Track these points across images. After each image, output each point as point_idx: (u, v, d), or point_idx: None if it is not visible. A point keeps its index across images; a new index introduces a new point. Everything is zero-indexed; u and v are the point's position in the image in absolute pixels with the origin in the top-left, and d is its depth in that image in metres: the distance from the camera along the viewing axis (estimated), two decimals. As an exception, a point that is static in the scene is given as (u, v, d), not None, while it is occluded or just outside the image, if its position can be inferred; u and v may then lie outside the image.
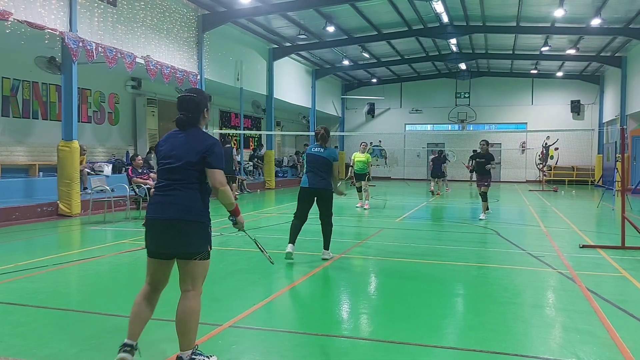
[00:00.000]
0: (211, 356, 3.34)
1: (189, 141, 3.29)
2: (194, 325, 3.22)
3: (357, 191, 14.00)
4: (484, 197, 11.63)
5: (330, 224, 6.94)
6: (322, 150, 6.77)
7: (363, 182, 13.56)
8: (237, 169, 18.55)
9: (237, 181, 18.07)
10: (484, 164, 11.43)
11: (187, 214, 3.22)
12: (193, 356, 3.22)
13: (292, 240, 6.84)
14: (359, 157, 13.59)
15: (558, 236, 9.20)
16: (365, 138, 30.75)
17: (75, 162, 11.43)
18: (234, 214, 3.52)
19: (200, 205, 3.28)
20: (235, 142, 24.00)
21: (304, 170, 6.99)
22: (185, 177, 3.25)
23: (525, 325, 4.30)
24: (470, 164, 12.71)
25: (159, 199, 3.30)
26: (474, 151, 12.94)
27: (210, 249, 3.35)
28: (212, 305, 4.77)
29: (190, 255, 3.23)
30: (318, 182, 6.75)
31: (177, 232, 3.21)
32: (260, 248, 4.02)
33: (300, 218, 7.00)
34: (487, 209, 11.86)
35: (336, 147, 29.39)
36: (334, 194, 6.95)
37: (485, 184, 11.59)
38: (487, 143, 11.77)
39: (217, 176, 3.27)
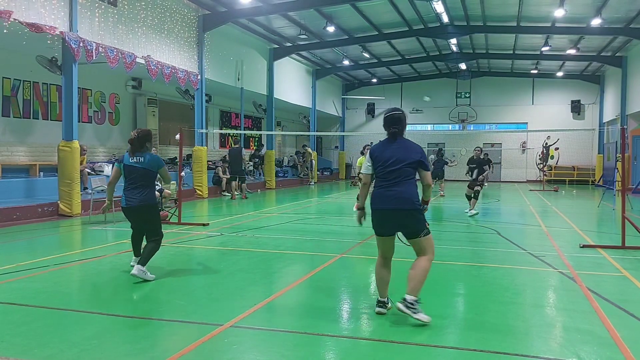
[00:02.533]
0: (426, 315, 4.16)
1: (404, 147, 4.38)
2: (422, 278, 4.28)
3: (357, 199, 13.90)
4: (477, 195, 12.14)
5: (157, 242, 5.82)
6: (141, 159, 5.77)
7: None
8: (246, 168, 18.56)
9: (237, 180, 18.08)
10: (474, 169, 12.13)
11: (411, 204, 4.28)
12: (415, 302, 4.17)
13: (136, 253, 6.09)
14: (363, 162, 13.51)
15: (559, 236, 9.20)
16: (365, 138, 30.80)
17: (75, 162, 11.44)
18: (426, 203, 4.48)
19: (416, 195, 4.32)
20: (235, 142, 24.01)
21: (123, 186, 5.87)
22: (407, 175, 4.30)
23: (526, 325, 4.30)
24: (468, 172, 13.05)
25: (384, 192, 4.33)
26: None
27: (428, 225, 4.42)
28: (213, 305, 4.77)
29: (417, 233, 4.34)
30: (136, 197, 5.71)
31: (403, 217, 4.28)
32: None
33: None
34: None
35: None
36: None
37: (478, 184, 12.13)
38: (481, 150, 12.31)
39: (429, 177, 4.40)
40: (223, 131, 22.91)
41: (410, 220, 4.30)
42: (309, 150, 25.72)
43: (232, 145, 17.14)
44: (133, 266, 5.73)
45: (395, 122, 4.45)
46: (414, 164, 4.33)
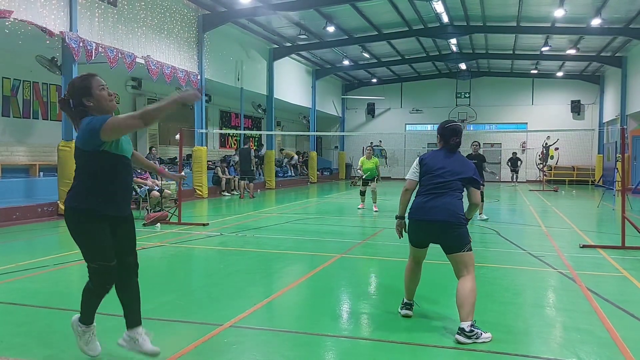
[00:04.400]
0: (485, 332, 3.87)
1: (460, 161, 4.26)
2: (472, 300, 3.90)
3: (360, 194, 13.53)
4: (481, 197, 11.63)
5: (89, 281, 3.39)
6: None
7: (371, 184, 13.20)
8: (255, 169, 18.55)
9: (238, 181, 18.08)
10: (476, 165, 11.51)
11: (457, 217, 4.07)
12: (472, 328, 3.81)
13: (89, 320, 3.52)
14: (367, 164, 13.21)
15: (558, 236, 9.20)
16: (365, 138, 30.82)
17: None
18: (467, 221, 4.20)
19: (462, 209, 4.13)
20: (235, 142, 24.01)
21: None
22: (456, 188, 4.13)
23: (526, 325, 4.30)
24: None
25: (428, 201, 4.13)
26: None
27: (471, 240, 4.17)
28: (213, 305, 4.77)
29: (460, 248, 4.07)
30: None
31: (446, 230, 4.06)
32: None
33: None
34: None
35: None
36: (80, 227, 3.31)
37: (482, 184, 11.58)
38: (479, 145, 11.81)
39: (478, 196, 4.29)
40: (223, 131, 22.91)
41: (453, 234, 4.04)
42: (286, 151, 26.11)
43: (242, 145, 17.19)
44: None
45: (457, 134, 4.31)
46: (466, 180, 4.17)
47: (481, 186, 11.56)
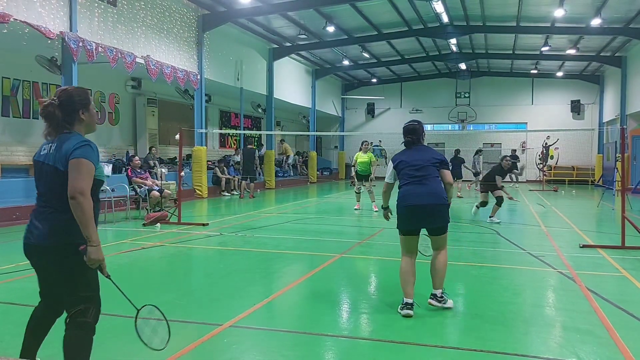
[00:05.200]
0: (449, 299, 4.64)
1: (423, 151, 4.79)
2: (444, 271, 4.66)
3: (356, 193, 13.33)
4: (500, 200, 11.02)
5: (77, 324, 2.84)
6: (53, 147, 2.84)
7: (365, 184, 13.07)
8: (257, 168, 18.56)
9: (238, 181, 18.09)
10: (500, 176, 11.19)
11: (441, 199, 4.59)
12: (442, 295, 4.61)
13: (29, 354, 3.17)
14: (361, 157, 12.94)
15: (558, 236, 9.20)
16: (365, 138, 30.76)
17: (75, 162, 11.41)
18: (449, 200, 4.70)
19: (443, 191, 4.65)
20: (235, 142, 24.01)
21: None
22: (433, 173, 4.64)
23: (526, 325, 4.30)
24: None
25: (414, 188, 4.59)
26: (494, 169, 11.70)
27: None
28: (213, 305, 4.77)
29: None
30: (36, 228, 2.82)
31: (433, 212, 4.54)
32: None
33: (46, 303, 3.11)
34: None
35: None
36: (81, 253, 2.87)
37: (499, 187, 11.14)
38: (512, 159, 11.31)
39: (449, 175, 4.73)
40: (223, 131, 22.91)
41: (439, 216, 4.57)
42: (286, 145, 25.99)
43: (245, 147, 17.19)
44: None
45: (410, 132, 4.88)
46: (437, 164, 4.68)
47: (497, 190, 11.00)
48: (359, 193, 13.24)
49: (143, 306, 3.04)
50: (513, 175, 22.99)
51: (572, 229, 10.17)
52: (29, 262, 2.94)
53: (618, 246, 7.79)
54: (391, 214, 5.05)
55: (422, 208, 4.54)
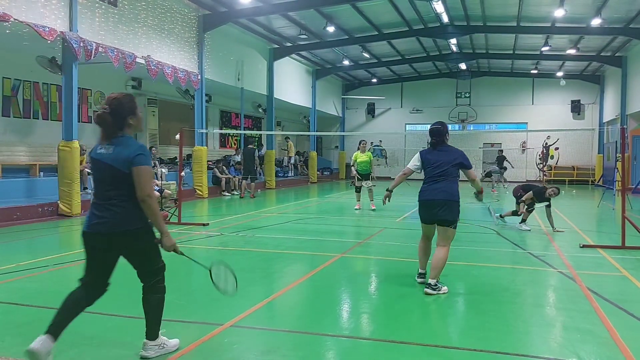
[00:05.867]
0: (443, 286, 5.23)
1: (448, 152, 5.43)
2: (442, 266, 5.22)
3: (355, 192, 13.35)
4: (517, 212, 10.30)
5: (157, 289, 3.60)
6: (110, 149, 3.33)
7: (364, 182, 13.10)
8: (258, 168, 18.57)
9: (239, 181, 18.09)
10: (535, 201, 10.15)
11: (451, 196, 5.27)
12: (437, 283, 5.18)
13: (55, 330, 3.34)
14: (361, 157, 13.03)
15: (558, 236, 9.20)
16: (365, 138, 30.75)
17: (75, 162, 11.44)
18: (480, 192, 5.71)
19: (457, 190, 5.33)
20: (235, 142, 24.02)
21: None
22: (451, 174, 5.31)
23: (526, 325, 4.31)
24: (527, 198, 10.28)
25: (431, 186, 5.33)
26: (535, 191, 10.24)
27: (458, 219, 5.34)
28: (213, 305, 4.77)
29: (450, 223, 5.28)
30: (103, 218, 3.33)
31: (443, 206, 5.23)
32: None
33: (87, 291, 3.51)
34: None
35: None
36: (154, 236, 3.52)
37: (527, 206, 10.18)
38: (559, 191, 10.09)
39: (472, 173, 5.45)
40: (223, 131, 22.91)
41: (450, 209, 5.24)
42: (291, 143, 26.00)
43: (246, 146, 17.23)
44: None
45: (433, 134, 5.49)
46: (457, 165, 5.36)
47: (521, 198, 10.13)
48: (359, 193, 13.27)
49: (211, 265, 3.80)
50: (497, 175, 22.42)
51: (573, 228, 10.17)
52: (85, 247, 3.42)
53: (618, 246, 7.79)
54: (389, 200, 5.72)
55: (434, 202, 5.28)
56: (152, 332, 3.53)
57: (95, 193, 3.44)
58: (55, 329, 3.28)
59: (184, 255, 3.67)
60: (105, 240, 3.32)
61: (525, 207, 10.05)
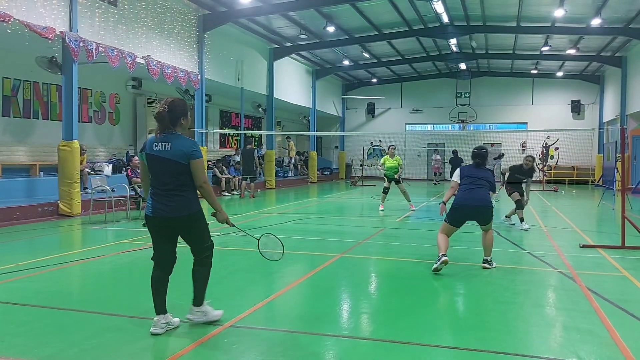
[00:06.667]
0: (494, 263, 6.52)
1: (483, 171, 6.63)
2: (492, 244, 6.54)
3: (383, 192, 13.40)
4: (520, 204, 10.32)
5: (205, 263, 4.17)
6: (167, 145, 3.95)
7: (399, 185, 13.18)
8: (257, 168, 18.56)
9: (239, 181, 18.09)
10: (519, 179, 10.56)
11: (486, 202, 6.44)
12: (491, 259, 6.49)
13: (160, 309, 4.03)
14: (390, 162, 13.22)
15: (558, 236, 9.20)
16: (365, 138, 30.81)
17: (75, 162, 11.44)
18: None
19: (490, 197, 6.54)
20: (235, 142, 24.01)
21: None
22: (484, 185, 6.48)
23: (526, 325, 4.31)
24: (505, 177, 10.97)
25: (468, 193, 6.42)
26: (513, 167, 10.95)
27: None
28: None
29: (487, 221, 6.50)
30: (167, 205, 3.98)
31: (482, 210, 6.42)
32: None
33: (161, 266, 4.10)
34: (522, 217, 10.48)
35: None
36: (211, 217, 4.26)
37: (519, 191, 10.51)
38: (533, 160, 10.69)
39: (491, 192, 6.58)
40: (223, 131, 22.91)
41: (486, 213, 6.42)
42: (292, 143, 25.99)
43: (245, 147, 17.25)
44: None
45: (478, 156, 6.67)
46: (487, 183, 6.53)
47: (516, 192, 10.44)
48: (386, 194, 13.36)
49: (260, 236, 4.64)
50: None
51: (573, 228, 10.17)
52: (151, 230, 4.06)
53: (618, 246, 7.79)
54: (446, 212, 6.48)
55: (471, 207, 6.35)
56: (198, 300, 4.13)
57: (153, 184, 4.03)
58: (160, 309, 3.99)
59: (235, 226, 4.40)
60: (168, 223, 3.98)
61: (514, 190, 10.56)
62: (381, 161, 13.55)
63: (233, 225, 4.33)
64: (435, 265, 6.01)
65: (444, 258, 6.01)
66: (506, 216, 11.02)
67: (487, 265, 6.40)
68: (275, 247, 4.58)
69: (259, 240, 4.60)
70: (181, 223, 4.02)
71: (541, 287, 5.69)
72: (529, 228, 9.94)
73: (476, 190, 6.37)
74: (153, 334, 3.88)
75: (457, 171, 6.68)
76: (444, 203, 6.54)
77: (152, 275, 4.06)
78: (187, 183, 4.00)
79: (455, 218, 6.40)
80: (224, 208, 4.09)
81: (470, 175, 6.52)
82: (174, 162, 3.91)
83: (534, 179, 10.87)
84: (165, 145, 3.92)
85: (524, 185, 10.60)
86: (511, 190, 10.54)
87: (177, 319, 4.11)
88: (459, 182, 6.57)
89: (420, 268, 6.43)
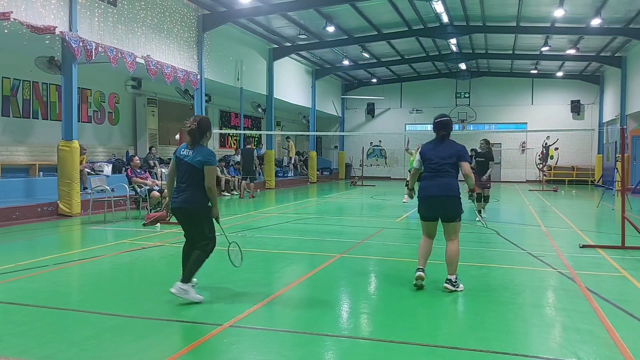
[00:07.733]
0: (461, 283, 5.30)
1: (448, 146, 5.39)
2: (456, 259, 5.28)
3: (405, 185, 14.07)
4: (487, 199, 11.37)
5: (202, 249, 4.92)
6: (190, 152, 4.94)
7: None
8: (257, 168, 18.57)
9: (238, 181, 18.09)
10: (484, 164, 11.18)
11: (453, 191, 5.28)
12: (455, 279, 5.25)
13: (184, 279, 4.91)
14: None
15: (558, 236, 9.20)
16: (365, 138, 30.82)
17: (75, 162, 11.43)
18: (472, 190, 5.57)
19: (456, 185, 5.33)
20: (235, 142, 24.01)
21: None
22: (449, 169, 5.31)
23: (525, 325, 4.31)
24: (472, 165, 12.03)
25: (430, 182, 5.35)
26: (473, 150, 12.51)
27: (462, 212, 5.40)
28: (213, 305, 4.77)
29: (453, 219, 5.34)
30: (179, 198, 4.94)
31: (445, 202, 5.28)
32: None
33: (187, 240, 5.19)
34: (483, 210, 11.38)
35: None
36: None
37: (488, 185, 11.30)
38: (488, 142, 11.42)
39: (466, 167, 5.34)
40: (223, 131, 22.90)
41: (450, 204, 5.28)
42: (292, 144, 25.99)
43: (244, 146, 17.26)
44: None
45: (444, 127, 5.46)
46: (456, 159, 5.30)
47: (486, 187, 11.10)
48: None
49: (230, 242, 5.31)
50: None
51: (572, 229, 10.17)
52: (176, 218, 5.05)
53: (618, 246, 7.79)
54: (415, 194, 5.73)
55: (432, 199, 5.30)
56: (185, 277, 4.78)
57: (177, 181, 5.01)
58: (186, 276, 4.79)
59: (219, 225, 5.08)
60: (179, 212, 4.94)
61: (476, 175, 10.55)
62: (411, 159, 14.02)
63: (218, 224, 5.07)
64: (414, 282, 5.34)
65: (417, 273, 5.26)
66: (478, 211, 11.13)
67: (449, 287, 5.17)
68: (237, 256, 5.32)
69: (230, 244, 5.31)
70: (186, 213, 4.92)
71: (541, 287, 5.68)
72: (481, 223, 10.38)
73: (439, 177, 5.29)
74: (171, 292, 4.68)
75: (418, 155, 5.62)
76: (410, 189, 5.89)
77: (184, 247, 5.13)
78: (199, 184, 4.86)
79: (422, 213, 5.46)
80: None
81: (430, 160, 5.39)
82: (191, 166, 4.85)
83: (496, 162, 11.48)
84: (189, 152, 4.92)
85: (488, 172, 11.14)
86: (480, 185, 10.88)
87: (200, 296, 4.78)
88: (418, 168, 5.62)
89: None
